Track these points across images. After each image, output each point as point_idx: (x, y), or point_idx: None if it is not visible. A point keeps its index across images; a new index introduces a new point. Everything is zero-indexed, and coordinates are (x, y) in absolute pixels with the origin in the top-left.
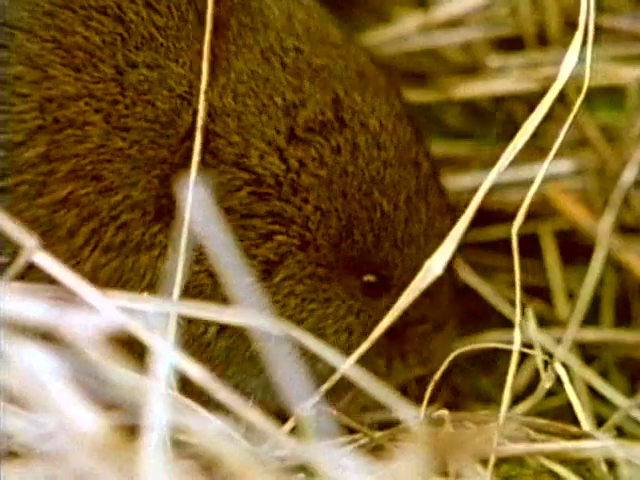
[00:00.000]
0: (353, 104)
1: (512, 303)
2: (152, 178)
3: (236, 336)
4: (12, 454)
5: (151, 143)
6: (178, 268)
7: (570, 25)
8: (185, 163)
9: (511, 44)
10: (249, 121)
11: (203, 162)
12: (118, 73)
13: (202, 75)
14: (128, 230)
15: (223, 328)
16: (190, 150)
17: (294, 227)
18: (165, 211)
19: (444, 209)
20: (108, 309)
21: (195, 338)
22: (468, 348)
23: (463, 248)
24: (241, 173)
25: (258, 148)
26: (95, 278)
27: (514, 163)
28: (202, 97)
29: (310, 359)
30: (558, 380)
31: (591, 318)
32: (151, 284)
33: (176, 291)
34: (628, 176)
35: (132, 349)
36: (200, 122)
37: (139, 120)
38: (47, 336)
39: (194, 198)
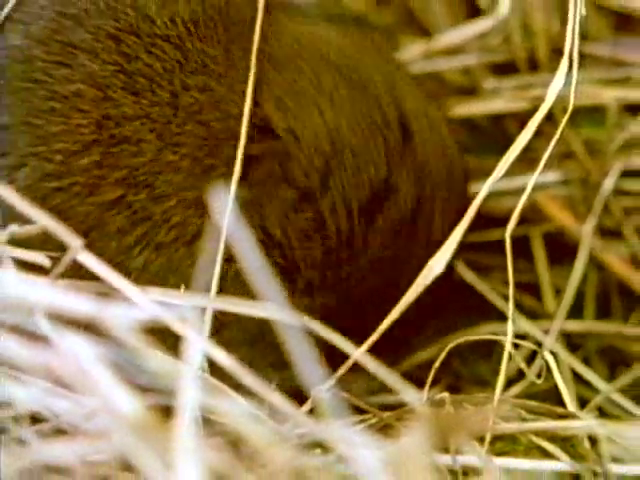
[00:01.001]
0: None
1: (506, 298)
2: (204, 183)
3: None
4: (60, 431)
5: (203, 157)
6: (215, 267)
7: (557, 52)
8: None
9: (505, 68)
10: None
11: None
12: (173, 96)
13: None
14: (181, 228)
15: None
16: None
17: None
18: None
19: None
20: (145, 303)
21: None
22: (467, 339)
23: (462, 248)
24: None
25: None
26: (146, 271)
27: (508, 173)
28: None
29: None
30: (546, 366)
31: (576, 311)
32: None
33: (213, 287)
34: (608, 185)
35: (167, 338)
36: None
37: (190, 137)
38: (90, 327)
39: (225, 205)
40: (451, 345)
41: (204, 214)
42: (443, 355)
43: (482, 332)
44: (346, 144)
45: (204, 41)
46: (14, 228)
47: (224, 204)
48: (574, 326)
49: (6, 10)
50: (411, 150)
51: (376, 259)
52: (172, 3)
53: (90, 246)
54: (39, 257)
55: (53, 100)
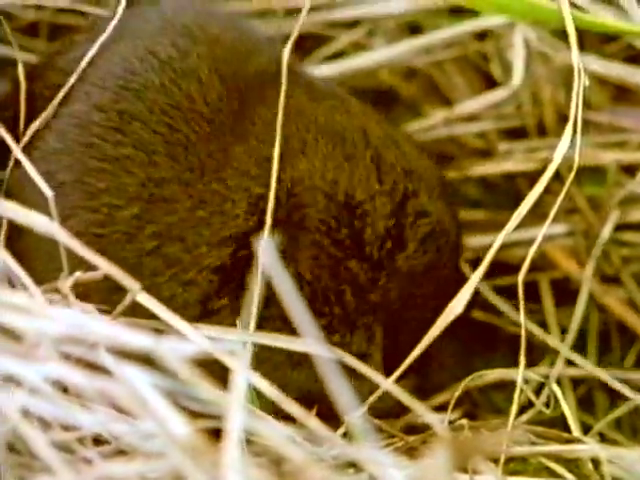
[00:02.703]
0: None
1: (517, 336)
2: (229, 239)
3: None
4: (120, 452)
5: (225, 212)
6: (253, 306)
7: (563, 118)
8: (258, 227)
9: (516, 133)
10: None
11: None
12: (200, 161)
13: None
14: (207, 271)
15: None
16: (261, 214)
17: None
18: (237, 265)
19: None
20: (197, 338)
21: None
22: (487, 377)
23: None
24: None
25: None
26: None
27: (519, 226)
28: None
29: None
30: (554, 396)
31: (579, 348)
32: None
33: (252, 324)
34: (605, 234)
35: (215, 369)
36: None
37: (214, 195)
38: (148, 359)
39: (267, 252)
40: (469, 378)
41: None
42: (461, 390)
43: (496, 366)
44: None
45: (228, 115)
46: (78, 274)
47: (267, 251)
48: (577, 361)
49: (72, 80)
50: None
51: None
52: (208, 86)
53: None
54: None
55: (105, 161)
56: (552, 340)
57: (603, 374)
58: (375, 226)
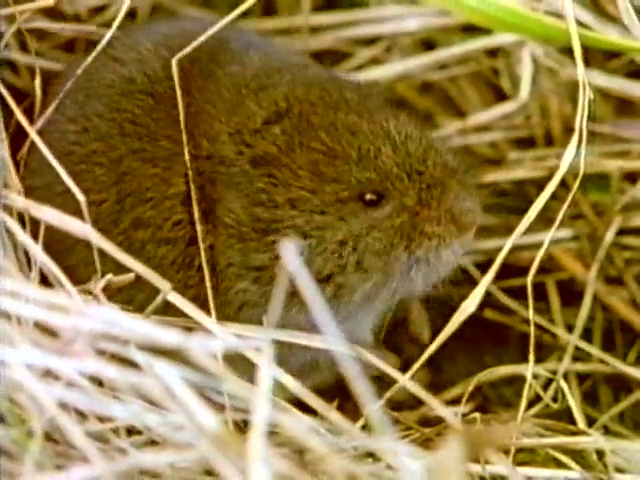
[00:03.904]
0: None
1: (526, 334)
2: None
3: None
4: (152, 442)
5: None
6: (276, 306)
7: (569, 129)
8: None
9: (525, 143)
10: None
11: None
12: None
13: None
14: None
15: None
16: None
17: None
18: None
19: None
20: (224, 335)
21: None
22: (498, 372)
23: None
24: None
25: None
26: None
27: (528, 230)
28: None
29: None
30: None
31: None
32: None
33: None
34: (608, 238)
35: (242, 364)
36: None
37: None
38: (178, 355)
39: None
40: (480, 376)
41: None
42: (473, 385)
43: (506, 362)
44: None
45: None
46: (110, 277)
47: (292, 254)
48: (582, 357)
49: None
50: None
51: None
52: (147, 62)
53: None
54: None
55: (82, 163)
56: (561, 332)
57: (610, 360)
58: None
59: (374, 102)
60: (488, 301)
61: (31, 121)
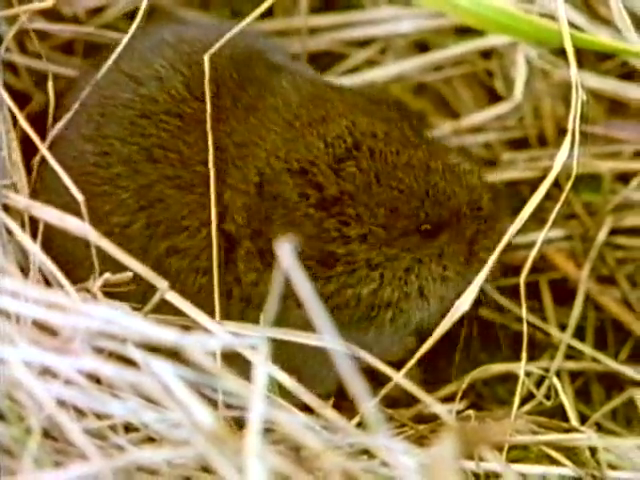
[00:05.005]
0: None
1: (519, 333)
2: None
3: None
4: (149, 439)
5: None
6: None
7: (562, 130)
8: None
9: (519, 144)
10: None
11: None
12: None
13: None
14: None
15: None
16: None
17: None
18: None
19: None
20: (221, 333)
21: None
22: (492, 370)
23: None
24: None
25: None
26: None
27: (522, 230)
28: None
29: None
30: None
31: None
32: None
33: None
34: (601, 238)
35: (238, 362)
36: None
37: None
38: (175, 353)
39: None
40: (474, 373)
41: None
42: (467, 383)
43: (500, 360)
44: None
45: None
46: (108, 275)
47: (288, 254)
48: (575, 356)
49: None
50: None
51: None
52: (168, 82)
53: None
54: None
55: (103, 184)
56: (554, 331)
57: (602, 359)
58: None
59: (420, 126)
60: (482, 300)
61: (38, 128)
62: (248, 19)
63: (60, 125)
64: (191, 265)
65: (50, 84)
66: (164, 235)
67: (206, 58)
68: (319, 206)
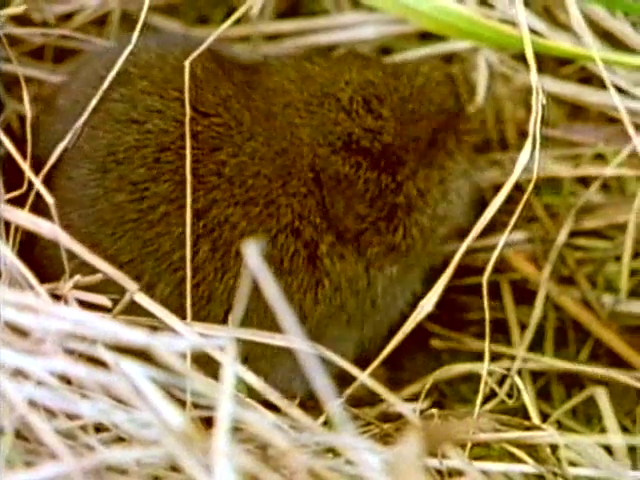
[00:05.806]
0: None
1: (481, 333)
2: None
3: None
4: (119, 439)
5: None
6: (238, 309)
7: (522, 134)
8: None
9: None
10: None
11: None
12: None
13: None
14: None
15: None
16: None
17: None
18: None
19: None
20: (190, 334)
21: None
22: (455, 370)
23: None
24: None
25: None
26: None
27: (484, 233)
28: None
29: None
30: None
31: (537, 343)
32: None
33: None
34: (560, 239)
35: (207, 362)
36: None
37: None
38: (144, 354)
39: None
40: (436, 375)
41: None
42: (430, 382)
43: (463, 360)
44: None
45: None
46: (78, 278)
47: (255, 257)
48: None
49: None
50: None
51: None
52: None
53: None
54: (102, 299)
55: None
56: (515, 330)
57: (559, 364)
58: None
59: None
60: (445, 300)
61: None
62: (222, 27)
63: (50, 163)
64: (278, 271)
65: (25, 92)
66: (237, 254)
67: (187, 64)
68: (371, 167)
